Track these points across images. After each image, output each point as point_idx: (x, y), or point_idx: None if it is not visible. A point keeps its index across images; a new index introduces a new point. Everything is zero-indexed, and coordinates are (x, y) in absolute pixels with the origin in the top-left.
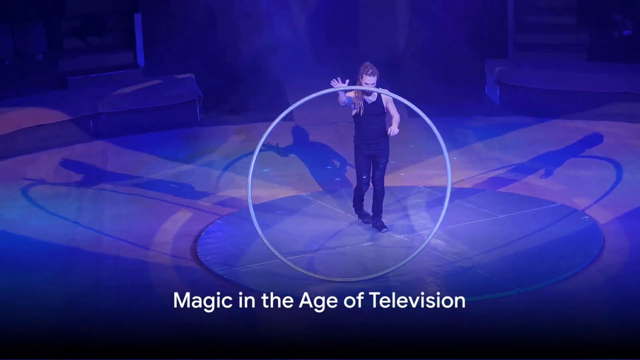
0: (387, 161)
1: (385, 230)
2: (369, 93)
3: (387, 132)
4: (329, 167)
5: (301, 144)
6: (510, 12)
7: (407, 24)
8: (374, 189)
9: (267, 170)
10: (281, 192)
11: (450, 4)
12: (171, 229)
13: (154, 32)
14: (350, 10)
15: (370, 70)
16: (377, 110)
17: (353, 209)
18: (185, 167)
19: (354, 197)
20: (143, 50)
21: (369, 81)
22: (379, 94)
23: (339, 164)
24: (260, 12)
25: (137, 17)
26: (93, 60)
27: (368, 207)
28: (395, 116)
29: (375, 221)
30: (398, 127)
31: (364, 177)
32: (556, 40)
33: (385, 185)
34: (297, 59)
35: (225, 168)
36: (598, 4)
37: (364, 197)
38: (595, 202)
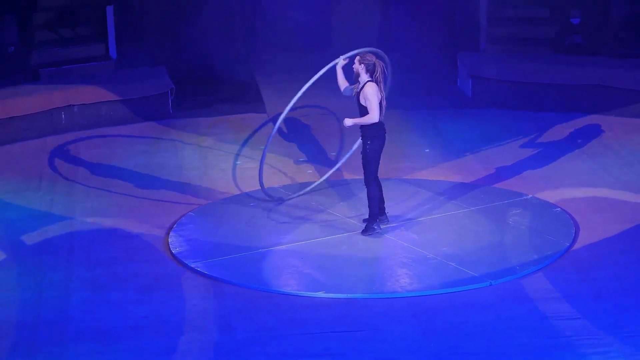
0: (363, 157)
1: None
2: (355, 79)
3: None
4: (301, 159)
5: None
6: (482, 4)
7: (379, 16)
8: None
9: (240, 162)
10: (253, 185)
11: None
12: (143, 221)
13: (126, 24)
14: (323, 2)
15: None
16: (358, 102)
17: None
18: (157, 160)
19: (380, 199)
20: (115, 42)
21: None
22: (361, 86)
23: (311, 155)
24: (232, 5)
25: (109, 10)
26: (65, 52)
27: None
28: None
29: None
30: (351, 123)
31: None
32: (528, 33)
33: (352, 177)
34: (270, 51)
35: (197, 160)
36: None
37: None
38: (567, 195)
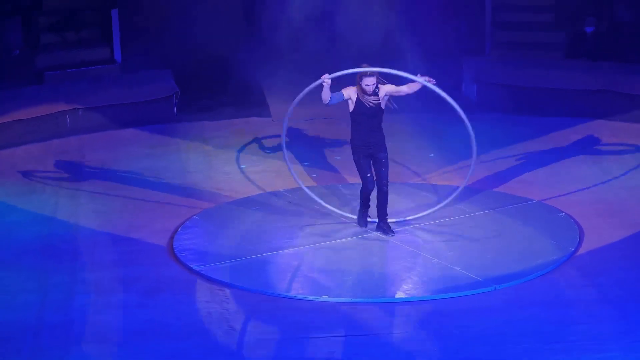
0: (387, 156)
1: (392, 235)
2: (369, 94)
3: (380, 126)
4: (306, 164)
5: (278, 140)
6: (487, 9)
7: (384, 20)
8: (379, 190)
9: (244, 166)
10: (258, 188)
11: (428, 1)
12: (148, 225)
13: (131, 28)
14: (327, 5)
15: (369, 72)
16: (377, 111)
17: (358, 212)
18: (162, 163)
19: (361, 200)
20: (120, 46)
21: (369, 82)
22: (378, 95)
23: (315, 160)
24: (238, 9)
25: (114, 13)
26: (70, 55)
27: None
28: (410, 86)
29: (382, 225)
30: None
31: (368, 175)
32: (533, 38)
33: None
34: (274, 55)
35: (202, 164)
36: (574, 2)
37: (370, 198)
38: (572, 199)
